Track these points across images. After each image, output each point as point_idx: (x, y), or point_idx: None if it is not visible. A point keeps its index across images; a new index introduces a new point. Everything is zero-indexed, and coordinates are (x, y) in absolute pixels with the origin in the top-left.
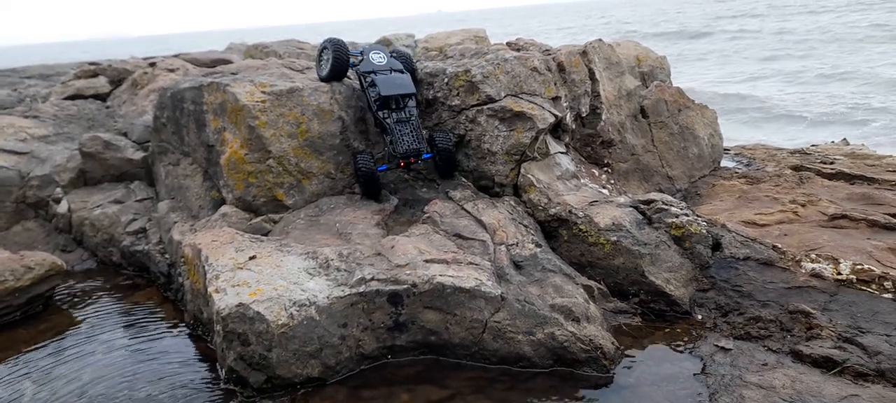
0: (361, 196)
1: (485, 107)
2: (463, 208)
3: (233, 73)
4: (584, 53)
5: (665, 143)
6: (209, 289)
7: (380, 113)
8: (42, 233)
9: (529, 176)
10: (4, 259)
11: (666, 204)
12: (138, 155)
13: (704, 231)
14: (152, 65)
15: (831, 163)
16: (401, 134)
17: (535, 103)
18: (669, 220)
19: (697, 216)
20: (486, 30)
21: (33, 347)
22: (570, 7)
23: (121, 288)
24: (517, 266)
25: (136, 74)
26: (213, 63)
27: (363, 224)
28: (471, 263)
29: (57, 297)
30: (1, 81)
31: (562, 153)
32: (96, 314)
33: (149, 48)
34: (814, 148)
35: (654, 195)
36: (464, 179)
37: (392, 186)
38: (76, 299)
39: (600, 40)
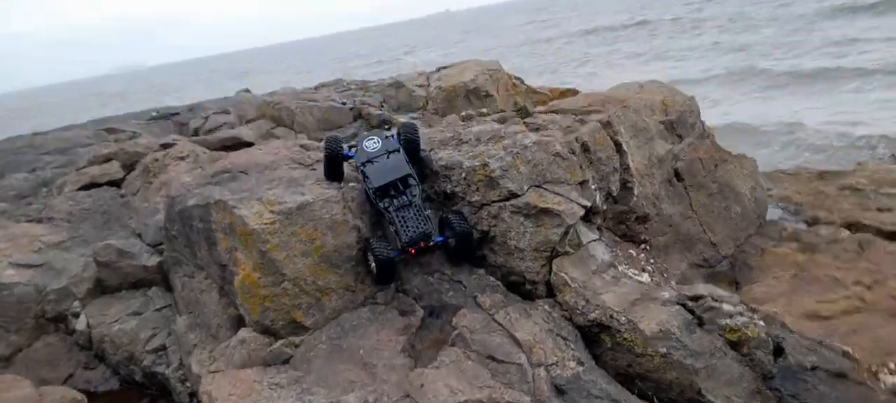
0: (375, 282)
1: (507, 202)
2: (494, 319)
3: (242, 173)
4: (607, 124)
5: (704, 206)
6: None
7: (380, 204)
8: (64, 348)
9: (562, 274)
10: (23, 397)
11: (717, 301)
12: (153, 260)
13: (763, 333)
14: (165, 146)
15: (890, 210)
16: (404, 220)
17: (562, 194)
18: (723, 322)
19: (753, 312)
20: (498, 59)
21: None
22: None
23: None
24: (559, 390)
25: (147, 160)
26: (223, 146)
27: (389, 349)
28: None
29: None
30: (19, 160)
31: (595, 240)
32: None
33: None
34: (861, 169)
35: (701, 288)
36: (491, 278)
37: (416, 292)
38: None
39: (624, 105)
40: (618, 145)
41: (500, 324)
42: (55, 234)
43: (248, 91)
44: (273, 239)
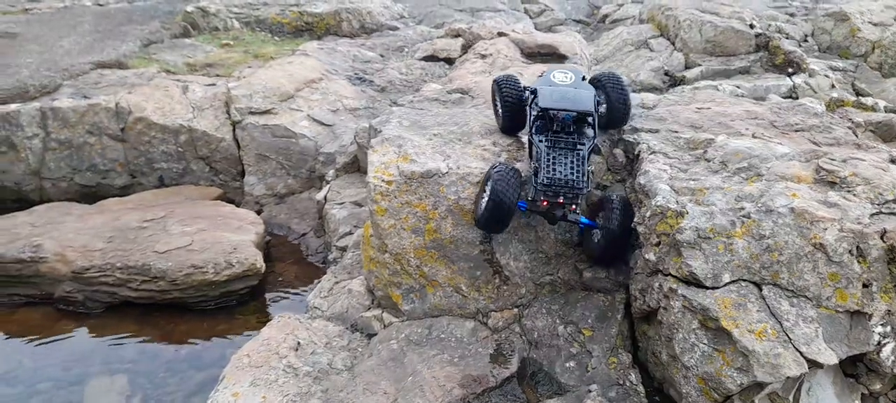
0: (481, 225)
1: (682, 288)
2: None
3: (471, 98)
4: None
5: None
6: None
7: (535, 136)
8: (314, 208)
9: None
10: (218, 250)
11: None
12: None
13: None
14: (502, 34)
15: None
16: (552, 161)
17: (782, 320)
18: None
19: None
20: None
21: (192, 341)
22: None
23: None
24: None
25: (475, 46)
26: (538, 51)
27: (427, 397)
28: None
29: (267, 293)
30: (434, 13)
31: None
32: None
33: None
34: None
35: None
36: (633, 377)
37: (535, 337)
38: (273, 302)
39: None
40: None
41: None
42: (358, 100)
43: None
44: (382, 201)
